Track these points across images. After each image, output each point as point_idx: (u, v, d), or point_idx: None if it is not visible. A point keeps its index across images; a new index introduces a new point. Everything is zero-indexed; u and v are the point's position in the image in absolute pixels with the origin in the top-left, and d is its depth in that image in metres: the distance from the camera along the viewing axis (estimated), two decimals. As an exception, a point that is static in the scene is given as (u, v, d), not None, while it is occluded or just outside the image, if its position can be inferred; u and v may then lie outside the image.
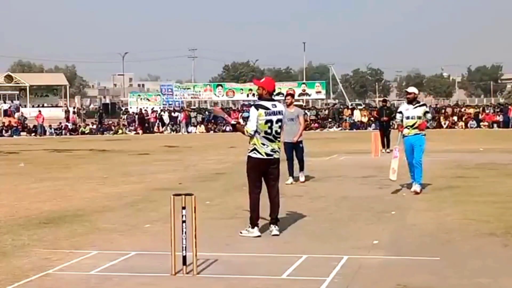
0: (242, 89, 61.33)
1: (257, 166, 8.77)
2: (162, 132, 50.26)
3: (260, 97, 8.90)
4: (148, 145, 33.12)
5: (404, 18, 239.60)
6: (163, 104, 59.57)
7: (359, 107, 61.28)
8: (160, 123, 51.62)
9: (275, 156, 8.77)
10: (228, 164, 20.29)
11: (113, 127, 51.20)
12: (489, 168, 17.40)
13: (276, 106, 8.76)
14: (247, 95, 60.88)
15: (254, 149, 8.74)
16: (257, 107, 8.73)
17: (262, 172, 8.80)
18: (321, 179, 15.65)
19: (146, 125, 51.27)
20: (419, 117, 12.77)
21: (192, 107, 62.36)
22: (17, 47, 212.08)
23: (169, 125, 51.42)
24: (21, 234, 9.23)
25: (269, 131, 8.66)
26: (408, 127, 12.83)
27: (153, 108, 55.80)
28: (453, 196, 12.33)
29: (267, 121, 8.63)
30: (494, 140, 30.61)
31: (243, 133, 8.82)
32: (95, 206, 11.84)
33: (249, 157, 8.86)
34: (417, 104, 12.97)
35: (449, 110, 52.02)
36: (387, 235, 8.86)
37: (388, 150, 23.27)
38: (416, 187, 12.65)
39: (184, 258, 6.91)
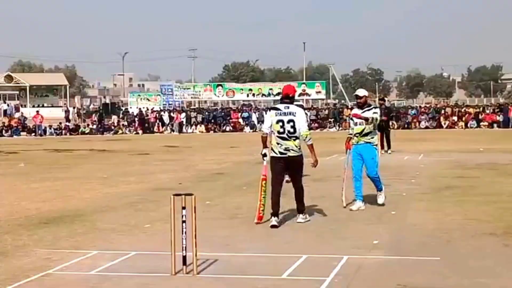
0: (242, 89, 61.30)
1: (273, 163, 9.49)
2: (162, 132, 50.24)
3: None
4: (148, 145, 33.11)
5: (404, 18, 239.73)
6: (163, 104, 59.55)
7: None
8: (160, 123, 51.62)
9: (289, 154, 9.39)
10: (228, 164, 20.28)
11: (113, 127, 51.17)
12: (489, 168, 17.40)
13: (288, 108, 9.47)
14: (247, 95, 60.89)
15: (271, 148, 9.51)
16: (270, 109, 9.82)
17: (281, 169, 9.51)
18: (321, 179, 15.64)
19: (146, 125, 51.27)
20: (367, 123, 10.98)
21: (192, 107, 62.36)
22: (17, 47, 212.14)
23: (169, 125, 51.43)
24: (21, 234, 9.23)
25: (281, 130, 9.37)
26: (357, 134, 11.05)
27: (153, 108, 55.75)
28: (453, 196, 12.33)
29: (278, 121, 9.39)
30: (494, 140, 30.60)
31: (263, 138, 9.60)
32: (95, 206, 11.84)
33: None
34: (367, 108, 11.20)
35: (448, 110, 52.00)
36: (387, 235, 8.86)
37: (389, 151, 23.19)
38: (357, 204, 10.98)
39: (184, 258, 6.91)
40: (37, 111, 51.54)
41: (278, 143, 9.42)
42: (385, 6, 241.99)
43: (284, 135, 9.36)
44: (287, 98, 9.59)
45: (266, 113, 9.85)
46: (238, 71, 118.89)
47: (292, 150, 9.39)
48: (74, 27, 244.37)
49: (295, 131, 9.36)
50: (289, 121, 9.35)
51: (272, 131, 9.47)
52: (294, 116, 9.39)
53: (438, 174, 16.23)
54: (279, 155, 9.41)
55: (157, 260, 7.46)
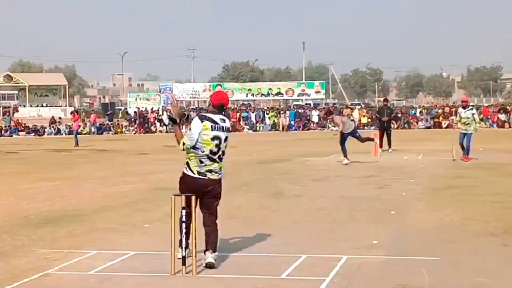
0: (241, 89, 61.33)
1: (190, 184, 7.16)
2: (161, 132, 50.20)
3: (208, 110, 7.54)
4: (148, 145, 33.10)
5: (404, 18, 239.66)
6: (163, 105, 59.50)
7: (357, 107, 61.29)
8: (159, 123, 51.61)
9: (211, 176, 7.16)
10: (227, 164, 20.23)
11: (112, 127, 51.16)
12: (489, 168, 17.39)
13: (224, 122, 7.29)
14: (246, 95, 60.90)
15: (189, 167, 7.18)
16: (202, 118, 7.19)
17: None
18: (321, 179, 15.64)
19: (146, 125, 51.26)
20: None
21: (192, 107, 62.29)
22: (17, 47, 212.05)
23: (169, 125, 51.40)
24: (20, 234, 9.22)
25: (215, 150, 7.14)
26: None
27: (152, 108, 55.73)
28: (453, 196, 12.33)
29: (213, 138, 7.14)
30: (494, 140, 30.59)
31: (177, 142, 7.17)
32: (94, 206, 11.83)
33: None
34: None
35: (447, 109, 52.06)
36: (386, 235, 8.86)
37: (390, 150, 23.33)
38: None
39: (184, 258, 6.91)
40: (76, 111, 38.97)
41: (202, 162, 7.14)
42: (385, 6, 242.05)
43: (216, 157, 7.15)
44: (222, 108, 7.38)
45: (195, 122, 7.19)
46: (238, 71, 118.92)
47: (216, 172, 7.20)
48: (74, 27, 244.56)
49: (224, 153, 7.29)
50: (226, 139, 7.22)
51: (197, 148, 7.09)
52: (229, 132, 7.37)
53: (438, 174, 16.22)
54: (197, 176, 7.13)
55: (156, 260, 7.45)
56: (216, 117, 7.22)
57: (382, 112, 25.06)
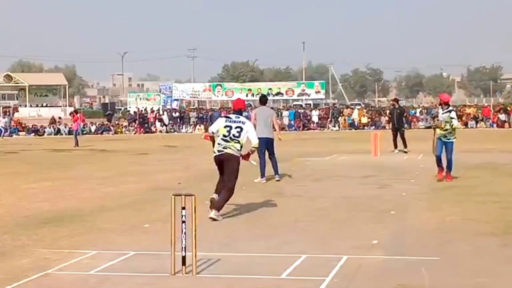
0: (241, 89, 61.28)
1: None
2: (161, 132, 50.20)
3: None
4: (148, 145, 33.10)
5: (404, 18, 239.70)
6: (163, 104, 59.50)
7: (357, 107, 61.29)
8: (160, 123, 51.60)
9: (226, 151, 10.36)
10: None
11: (112, 127, 51.15)
12: (489, 168, 17.39)
13: (239, 117, 10.55)
14: (246, 95, 60.86)
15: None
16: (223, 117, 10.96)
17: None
18: (321, 179, 15.64)
19: (146, 125, 51.25)
20: None
21: (192, 107, 62.29)
22: (17, 47, 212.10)
23: (169, 125, 51.39)
24: (20, 234, 9.22)
25: (226, 134, 10.34)
26: None
27: (152, 108, 55.69)
28: (453, 196, 12.33)
29: (225, 126, 10.39)
30: (494, 140, 30.60)
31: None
32: (94, 206, 11.83)
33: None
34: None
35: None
36: (387, 235, 8.86)
37: (406, 150, 23.22)
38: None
39: (184, 258, 6.91)
40: (76, 111, 37.70)
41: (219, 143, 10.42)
42: (385, 6, 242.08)
43: (228, 138, 10.34)
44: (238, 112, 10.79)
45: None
46: (238, 71, 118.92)
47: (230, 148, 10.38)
48: (74, 27, 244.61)
49: (240, 136, 10.36)
50: (236, 128, 10.37)
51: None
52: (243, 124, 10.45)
53: (438, 174, 16.20)
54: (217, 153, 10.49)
55: (156, 260, 7.45)
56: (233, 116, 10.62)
57: (394, 112, 25.01)
